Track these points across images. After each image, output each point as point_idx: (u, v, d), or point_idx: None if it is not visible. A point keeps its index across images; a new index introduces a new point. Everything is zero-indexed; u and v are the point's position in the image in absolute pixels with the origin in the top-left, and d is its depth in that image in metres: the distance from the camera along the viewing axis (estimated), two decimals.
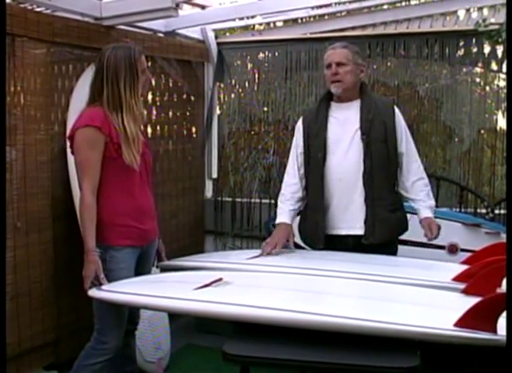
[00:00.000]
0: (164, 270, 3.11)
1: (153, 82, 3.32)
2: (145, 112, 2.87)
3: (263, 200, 5.05)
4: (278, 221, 3.30)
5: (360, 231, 3.15)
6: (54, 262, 3.52)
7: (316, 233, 3.26)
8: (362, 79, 3.28)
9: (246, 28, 5.13)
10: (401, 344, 2.04)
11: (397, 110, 3.24)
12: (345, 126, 3.19)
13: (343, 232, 3.21)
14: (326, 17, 4.88)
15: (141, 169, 2.80)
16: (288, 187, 3.37)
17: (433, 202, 3.25)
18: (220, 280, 2.47)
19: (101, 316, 2.74)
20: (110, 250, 2.72)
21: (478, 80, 4.57)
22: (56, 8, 3.45)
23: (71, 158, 3.45)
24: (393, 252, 3.25)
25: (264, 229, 4.88)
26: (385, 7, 4.78)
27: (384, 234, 3.12)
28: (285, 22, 5.06)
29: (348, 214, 3.18)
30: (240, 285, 2.46)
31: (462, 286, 2.46)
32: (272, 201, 4.96)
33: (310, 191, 3.29)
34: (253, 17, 4.86)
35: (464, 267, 2.74)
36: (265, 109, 5.09)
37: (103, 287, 2.57)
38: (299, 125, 3.36)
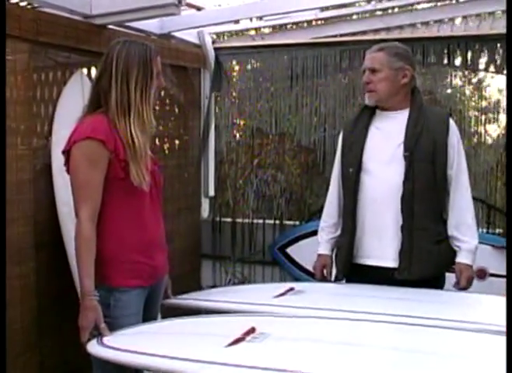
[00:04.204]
0: (168, 310, 2.67)
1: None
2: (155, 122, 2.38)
3: (266, 221, 4.57)
4: (317, 251, 3.01)
5: (394, 264, 2.73)
6: (37, 298, 3.04)
7: (340, 260, 2.87)
8: (412, 84, 2.84)
9: (246, 31, 4.69)
10: None
11: (452, 124, 2.80)
12: (387, 139, 2.77)
13: (372, 262, 2.79)
14: (335, 20, 4.45)
15: (151, 191, 2.34)
16: (326, 212, 3.02)
17: (475, 242, 2.78)
18: (253, 330, 2.00)
19: (103, 368, 2.24)
20: (115, 292, 2.24)
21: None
22: (40, 2, 2.98)
23: (56, 177, 3.05)
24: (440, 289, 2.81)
25: (268, 253, 4.46)
26: (396, 10, 4.39)
27: (422, 269, 2.69)
28: (289, 25, 4.62)
29: (380, 242, 2.77)
30: (280, 338, 1.99)
31: None
32: (277, 222, 4.52)
33: (343, 212, 2.89)
34: (260, 19, 4.42)
35: None
36: (267, 120, 4.63)
37: (105, 339, 2.08)
38: (340, 138, 2.96)
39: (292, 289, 2.72)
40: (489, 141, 4.28)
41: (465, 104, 4.23)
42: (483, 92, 4.42)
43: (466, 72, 4.32)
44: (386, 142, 2.77)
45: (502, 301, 2.56)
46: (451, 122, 2.81)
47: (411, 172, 2.67)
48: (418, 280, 2.68)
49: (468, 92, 4.42)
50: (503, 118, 4.13)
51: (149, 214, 2.35)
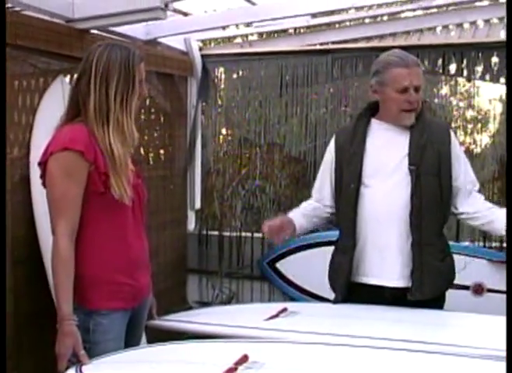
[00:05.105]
0: (152, 331, 2.50)
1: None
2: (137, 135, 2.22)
3: (255, 234, 4.41)
4: None
5: (399, 284, 2.59)
6: (14, 317, 2.85)
7: (338, 279, 2.70)
8: None
9: (234, 38, 4.55)
10: None
11: (453, 136, 2.68)
12: (388, 151, 2.62)
13: (374, 281, 2.63)
14: (326, 27, 4.34)
15: (134, 206, 2.19)
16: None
17: None
18: (246, 359, 1.84)
19: None
20: (95, 316, 2.08)
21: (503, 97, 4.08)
22: (20, 5, 2.82)
23: (35, 189, 2.84)
24: (440, 308, 2.68)
25: (256, 268, 4.30)
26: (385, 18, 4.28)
27: (433, 288, 2.58)
28: (279, 32, 4.49)
29: (383, 260, 2.61)
30: (275, 368, 1.84)
31: None
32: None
33: (340, 229, 2.73)
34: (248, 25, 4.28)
35: None
36: (256, 130, 4.49)
37: (85, 368, 1.91)
38: (331, 147, 2.78)
39: (285, 310, 2.56)
40: (485, 151, 4.17)
41: (460, 113, 4.12)
42: (476, 102, 4.33)
43: (461, 81, 4.20)
44: (388, 155, 2.62)
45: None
46: (452, 133, 2.70)
47: (418, 186, 2.54)
48: (427, 300, 2.56)
49: (462, 102, 4.31)
50: (502, 129, 4.03)
51: (132, 231, 2.19)
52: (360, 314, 2.52)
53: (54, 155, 2.04)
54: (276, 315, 2.48)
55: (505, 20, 3.99)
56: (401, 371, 1.89)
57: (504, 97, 4.30)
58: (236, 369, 1.77)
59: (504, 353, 1.96)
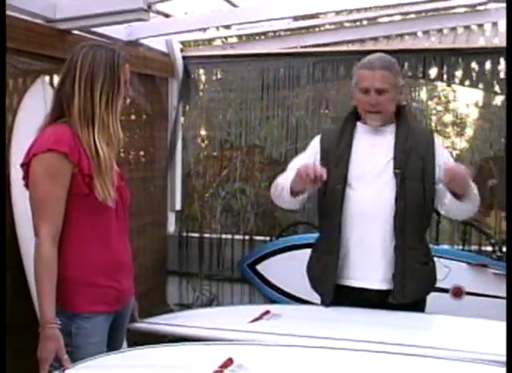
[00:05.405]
0: (132, 334, 2.48)
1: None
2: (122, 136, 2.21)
3: (235, 236, 4.41)
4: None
5: (381, 286, 2.58)
6: None
7: (324, 281, 2.67)
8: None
9: (215, 40, 4.54)
10: None
11: (437, 141, 2.69)
12: (374, 154, 2.62)
13: (357, 284, 2.62)
14: (308, 30, 4.35)
15: (117, 208, 2.17)
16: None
17: None
18: (231, 362, 1.83)
19: None
20: (77, 319, 2.05)
21: (479, 103, 4.12)
22: None
23: (15, 192, 2.79)
24: (421, 311, 2.69)
25: (237, 270, 4.30)
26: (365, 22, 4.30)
27: (415, 291, 2.57)
28: (261, 34, 4.48)
29: (367, 261, 2.60)
30: (260, 371, 1.83)
31: None
32: (246, 237, 4.36)
33: (323, 229, 2.73)
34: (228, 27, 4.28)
35: None
36: (236, 132, 4.48)
37: (67, 372, 1.88)
38: (316, 143, 2.76)
39: (267, 312, 2.55)
40: (462, 155, 4.21)
41: (440, 117, 4.16)
42: (454, 106, 4.38)
43: (440, 86, 4.24)
44: (374, 158, 2.62)
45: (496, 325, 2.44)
46: (436, 139, 2.72)
47: (403, 190, 2.54)
48: (408, 303, 2.56)
49: (440, 106, 4.35)
50: (480, 134, 4.08)
51: (115, 234, 2.17)
52: (343, 317, 2.52)
53: (38, 156, 2.01)
54: (259, 318, 2.47)
55: (484, 27, 4.07)
56: None
57: (480, 103, 4.35)
58: (221, 372, 1.77)
59: (485, 356, 2.00)
